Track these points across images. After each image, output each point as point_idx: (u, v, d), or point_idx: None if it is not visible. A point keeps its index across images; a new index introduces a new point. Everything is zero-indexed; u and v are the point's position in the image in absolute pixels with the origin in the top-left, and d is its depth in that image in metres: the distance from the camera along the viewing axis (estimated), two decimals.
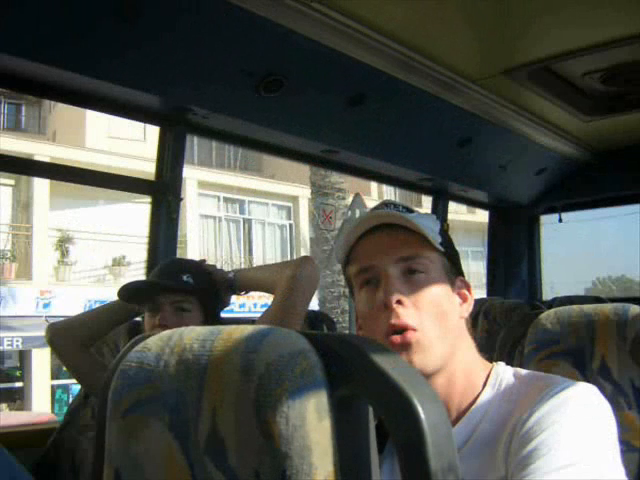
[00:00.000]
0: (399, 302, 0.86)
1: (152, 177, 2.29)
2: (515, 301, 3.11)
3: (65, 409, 2.14)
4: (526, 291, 4.07)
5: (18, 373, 11.98)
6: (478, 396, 0.88)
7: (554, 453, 0.73)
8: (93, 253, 11.72)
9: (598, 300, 3.08)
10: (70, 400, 8.32)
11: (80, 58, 1.74)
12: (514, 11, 2.02)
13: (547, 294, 4.14)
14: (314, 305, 8.63)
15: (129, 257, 11.95)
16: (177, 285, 1.59)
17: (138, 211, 10.31)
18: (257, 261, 13.46)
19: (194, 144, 14.46)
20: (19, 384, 11.84)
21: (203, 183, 13.06)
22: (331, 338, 0.60)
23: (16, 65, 1.72)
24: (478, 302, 2.88)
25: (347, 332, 6.12)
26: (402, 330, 0.85)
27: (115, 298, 1.70)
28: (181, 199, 2.29)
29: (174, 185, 2.25)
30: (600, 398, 0.81)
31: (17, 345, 10.81)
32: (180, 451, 0.60)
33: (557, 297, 3.35)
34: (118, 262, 12.09)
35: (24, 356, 11.77)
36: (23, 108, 15.48)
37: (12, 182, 11.53)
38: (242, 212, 14.01)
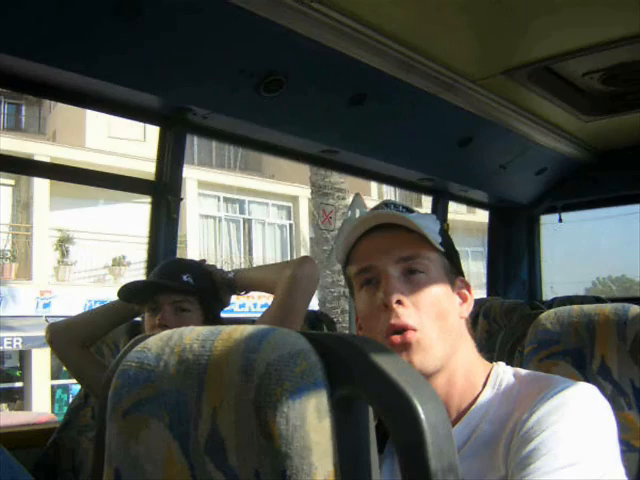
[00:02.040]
0: (399, 302, 0.86)
1: (152, 177, 2.29)
2: (515, 301, 3.11)
3: (65, 409, 2.14)
4: (526, 291, 4.06)
5: (18, 373, 11.99)
6: (478, 396, 0.88)
7: (554, 453, 0.73)
8: (93, 253, 11.72)
9: (598, 300, 3.08)
10: (70, 400, 8.32)
11: (80, 58, 1.74)
12: (514, 11, 2.02)
13: (547, 294, 4.14)
14: (314, 305, 8.62)
15: (129, 257, 11.95)
16: (177, 285, 1.59)
17: (138, 211, 10.31)
18: (257, 261, 13.46)
19: (194, 144, 14.46)
20: (19, 384, 11.84)
21: (203, 183, 13.06)
22: (331, 338, 0.60)
23: (16, 65, 1.72)
24: (478, 302, 2.88)
25: (347, 332, 6.12)
26: (402, 330, 0.85)
27: (115, 298, 1.71)
28: (181, 199, 2.29)
29: (174, 185, 2.25)
30: (600, 398, 0.81)
31: (17, 345, 10.81)
32: (180, 451, 0.60)
33: (557, 297, 3.35)
34: (118, 262, 12.09)
35: (24, 356, 11.77)
36: (23, 108, 15.48)
37: (12, 182, 11.54)
38: (242, 212, 14.02)
